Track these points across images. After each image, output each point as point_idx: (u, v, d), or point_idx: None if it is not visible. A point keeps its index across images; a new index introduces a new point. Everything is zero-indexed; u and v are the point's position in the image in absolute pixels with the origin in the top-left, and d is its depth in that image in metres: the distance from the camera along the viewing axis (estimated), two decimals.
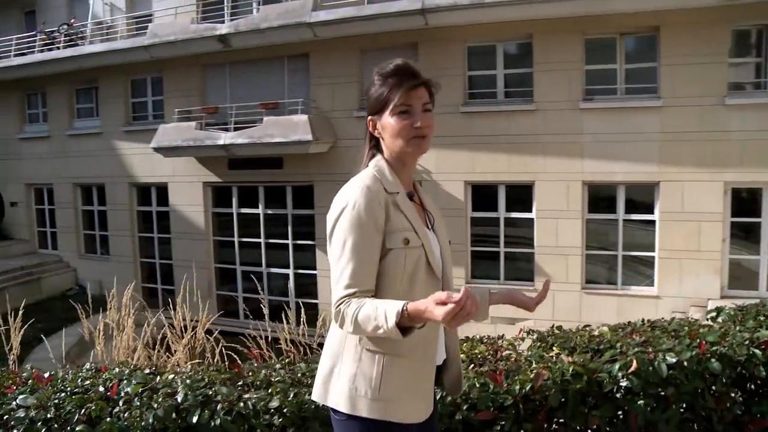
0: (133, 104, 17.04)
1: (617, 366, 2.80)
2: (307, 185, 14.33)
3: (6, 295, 15.99)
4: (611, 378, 2.79)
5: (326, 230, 1.93)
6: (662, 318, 3.75)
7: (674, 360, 2.78)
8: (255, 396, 2.46)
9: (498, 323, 12.25)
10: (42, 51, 17.13)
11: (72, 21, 17.21)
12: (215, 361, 5.32)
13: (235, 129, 14.02)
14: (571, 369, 2.77)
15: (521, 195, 12.38)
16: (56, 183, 18.35)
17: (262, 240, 15.16)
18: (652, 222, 11.60)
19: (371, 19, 12.28)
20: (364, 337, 1.88)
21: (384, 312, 1.68)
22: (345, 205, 1.87)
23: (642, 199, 11.80)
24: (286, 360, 3.24)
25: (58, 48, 16.81)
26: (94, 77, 17.03)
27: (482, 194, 12.75)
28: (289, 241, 14.83)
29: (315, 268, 14.48)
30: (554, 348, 3.27)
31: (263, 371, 2.76)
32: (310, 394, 2.26)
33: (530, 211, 12.28)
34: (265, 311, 6.88)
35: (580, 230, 11.86)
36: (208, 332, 6.46)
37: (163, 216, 16.56)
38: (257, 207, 15.17)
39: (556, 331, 3.57)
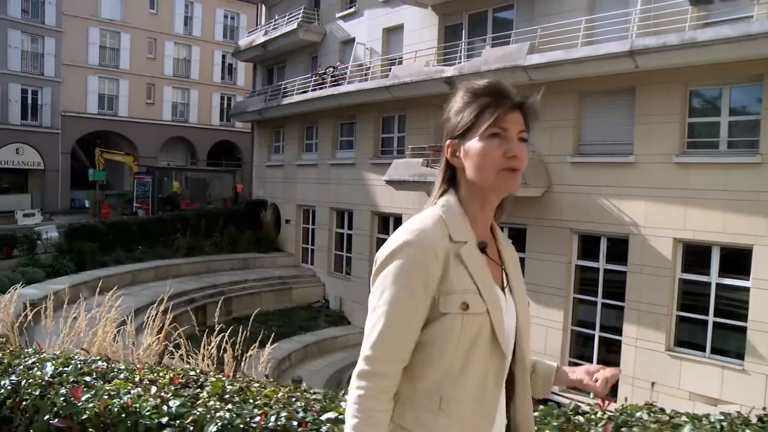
0: (383, 139, 18.58)
1: None
2: (520, 228, 14.18)
3: (260, 299, 18.58)
4: None
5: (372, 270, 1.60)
6: None
7: None
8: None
9: (697, 401, 10.89)
10: (314, 90, 19.59)
11: (338, 64, 19.51)
12: None
13: None
14: None
15: (737, 259, 10.80)
16: (318, 206, 20.76)
17: None
18: None
19: (580, 62, 11.84)
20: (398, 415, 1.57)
21: None
22: (395, 250, 1.53)
23: None
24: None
25: (325, 87, 19.08)
26: (353, 113, 19.02)
27: (692, 254, 11.39)
28: None
29: None
30: None
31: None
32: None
33: (747, 278, 10.64)
34: None
35: None
36: None
37: None
38: None
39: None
